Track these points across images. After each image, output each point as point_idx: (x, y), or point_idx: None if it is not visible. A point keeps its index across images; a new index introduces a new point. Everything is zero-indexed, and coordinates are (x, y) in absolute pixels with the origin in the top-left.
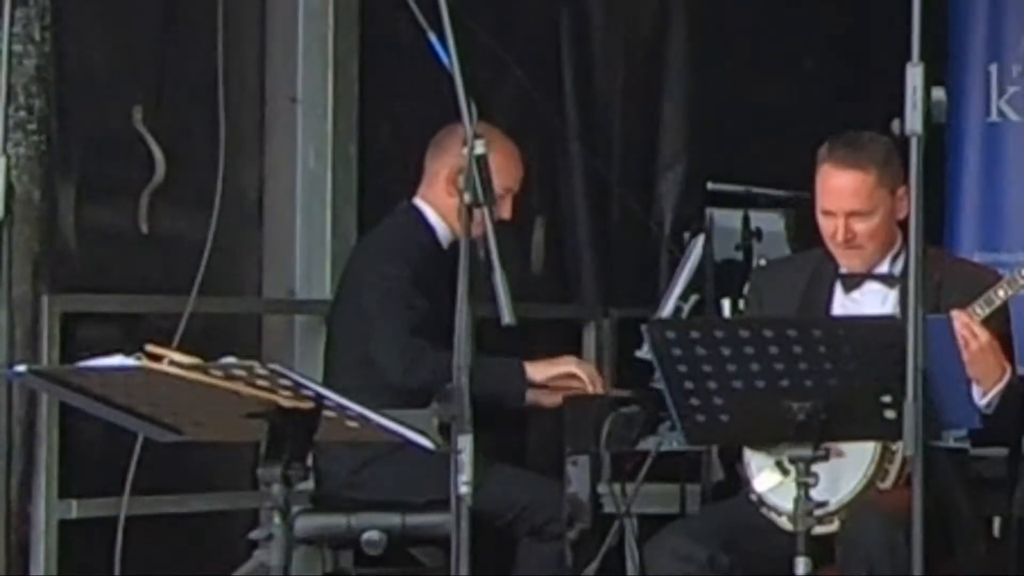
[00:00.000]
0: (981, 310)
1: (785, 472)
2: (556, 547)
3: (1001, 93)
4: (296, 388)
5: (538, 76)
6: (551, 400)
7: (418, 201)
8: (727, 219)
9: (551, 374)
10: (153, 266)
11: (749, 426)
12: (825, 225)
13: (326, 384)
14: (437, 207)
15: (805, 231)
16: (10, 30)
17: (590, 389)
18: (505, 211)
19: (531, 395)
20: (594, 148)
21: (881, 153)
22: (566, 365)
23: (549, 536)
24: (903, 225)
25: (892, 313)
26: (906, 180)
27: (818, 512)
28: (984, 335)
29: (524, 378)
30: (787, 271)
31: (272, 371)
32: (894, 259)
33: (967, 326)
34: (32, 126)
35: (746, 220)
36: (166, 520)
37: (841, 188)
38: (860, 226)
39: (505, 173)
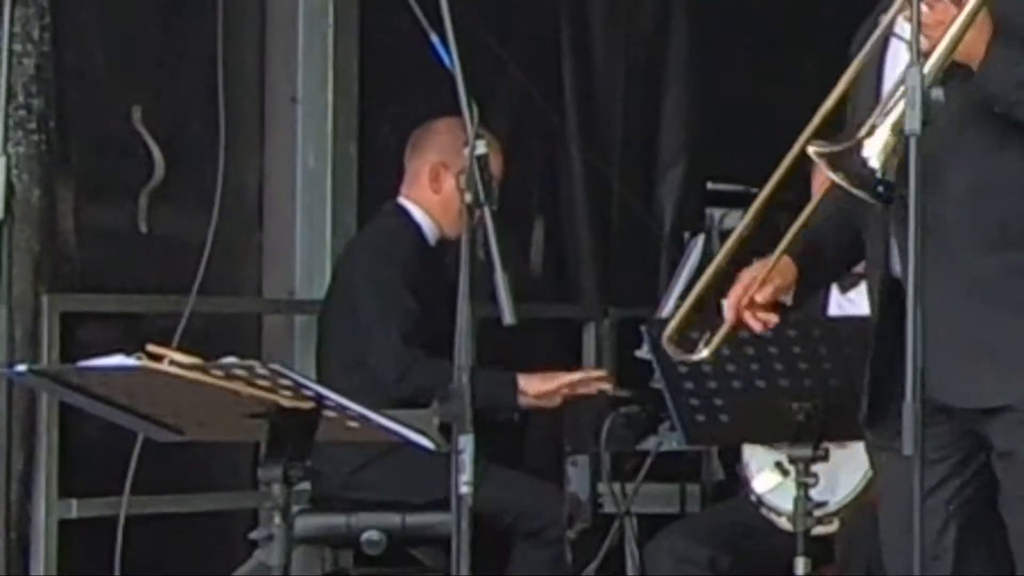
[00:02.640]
0: None
1: (785, 472)
2: (554, 551)
3: None
4: (296, 388)
5: (538, 76)
6: (551, 403)
7: (402, 200)
8: (727, 219)
9: (544, 390)
10: (153, 266)
11: (749, 426)
12: None
13: (319, 384)
14: (422, 205)
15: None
16: (10, 29)
17: (592, 383)
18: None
19: (526, 402)
20: (594, 148)
21: None
22: (560, 380)
23: (547, 540)
24: None
25: None
26: None
27: (818, 512)
28: None
29: (517, 391)
30: None
31: (272, 371)
32: None
33: None
34: (31, 125)
35: None
36: (166, 520)
37: None
38: None
39: None
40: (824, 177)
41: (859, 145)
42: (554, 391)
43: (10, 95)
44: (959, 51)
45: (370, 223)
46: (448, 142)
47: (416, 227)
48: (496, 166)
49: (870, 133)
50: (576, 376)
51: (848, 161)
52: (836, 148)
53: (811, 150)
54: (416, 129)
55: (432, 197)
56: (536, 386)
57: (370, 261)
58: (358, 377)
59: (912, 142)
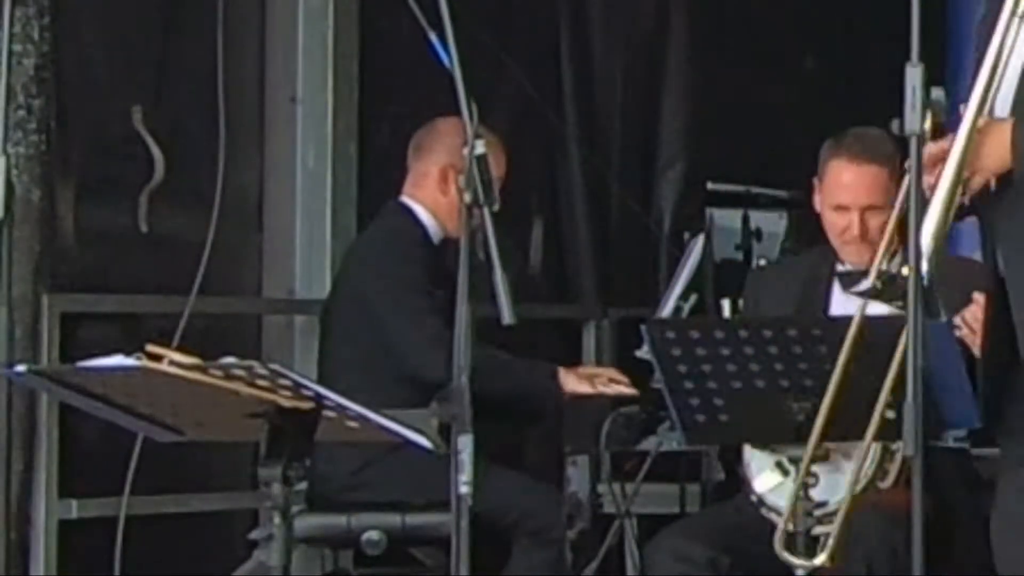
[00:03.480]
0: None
1: (785, 472)
2: (554, 551)
3: None
4: (296, 388)
5: (538, 76)
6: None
7: (406, 200)
8: (727, 219)
9: (579, 391)
10: (153, 266)
11: (749, 426)
12: (836, 221)
13: (321, 384)
14: (428, 205)
15: (804, 231)
16: (9, 30)
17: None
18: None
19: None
20: (594, 148)
21: (891, 148)
22: (595, 386)
23: (547, 541)
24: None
25: (890, 312)
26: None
27: (818, 512)
28: None
29: (557, 382)
30: (784, 272)
31: (272, 371)
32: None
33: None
34: (31, 126)
35: (746, 220)
36: (166, 520)
37: (858, 182)
38: (874, 221)
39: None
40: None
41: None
42: (585, 394)
43: (10, 95)
44: (986, 167)
45: (375, 222)
46: (457, 144)
47: (421, 226)
48: (499, 166)
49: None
50: (610, 391)
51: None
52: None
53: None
54: (419, 129)
55: (440, 199)
56: (572, 384)
57: (383, 259)
58: (363, 377)
59: (913, 142)
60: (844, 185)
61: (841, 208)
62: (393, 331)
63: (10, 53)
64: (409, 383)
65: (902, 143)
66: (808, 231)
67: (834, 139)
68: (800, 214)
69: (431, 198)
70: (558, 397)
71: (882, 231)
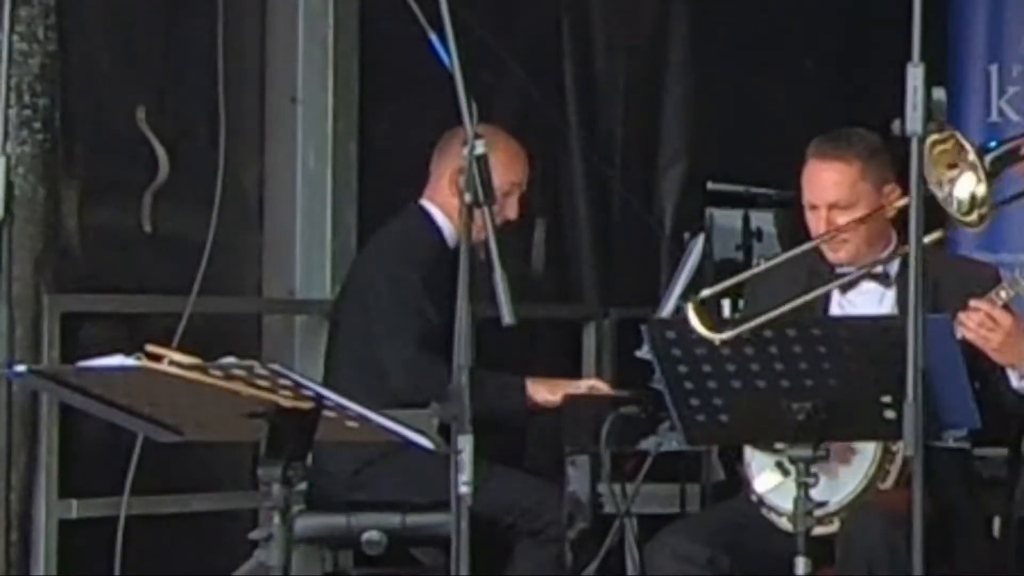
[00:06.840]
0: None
1: (786, 473)
2: (555, 550)
3: (1001, 93)
4: (296, 388)
5: (539, 76)
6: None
7: (425, 202)
8: (727, 219)
9: (550, 400)
10: (155, 266)
11: (749, 426)
12: (809, 219)
13: (327, 382)
14: (443, 208)
15: (800, 231)
16: (14, 29)
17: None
18: (511, 210)
19: (530, 405)
20: (595, 148)
21: (866, 147)
22: (565, 392)
23: (548, 539)
24: (901, 224)
25: (889, 312)
26: (904, 179)
27: (818, 512)
28: (1007, 319)
29: (525, 396)
30: (783, 272)
31: (272, 371)
32: (889, 258)
33: (988, 314)
34: (36, 125)
35: (746, 220)
36: (166, 520)
37: (823, 180)
38: (842, 218)
39: (509, 169)
40: None
41: None
42: (557, 402)
43: (16, 94)
44: None
45: (393, 223)
46: None
47: (437, 229)
48: (514, 172)
49: None
50: (581, 390)
51: None
52: None
53: None
54: (445, 132)
55: (452, 201)
56: (543, 395)
57: (391, 262)
58: (367, 377)
59: (914, 143)
60: (811, 183)
61: (811, 206)
62: (382, 340)
63: (15, 52)
64: None
65: (904, 144)
66: (801, 232)
67: (816, 139)
68: (790, 215)
69: (445, 201)
70: (527, 411)
71: (852, 230)
